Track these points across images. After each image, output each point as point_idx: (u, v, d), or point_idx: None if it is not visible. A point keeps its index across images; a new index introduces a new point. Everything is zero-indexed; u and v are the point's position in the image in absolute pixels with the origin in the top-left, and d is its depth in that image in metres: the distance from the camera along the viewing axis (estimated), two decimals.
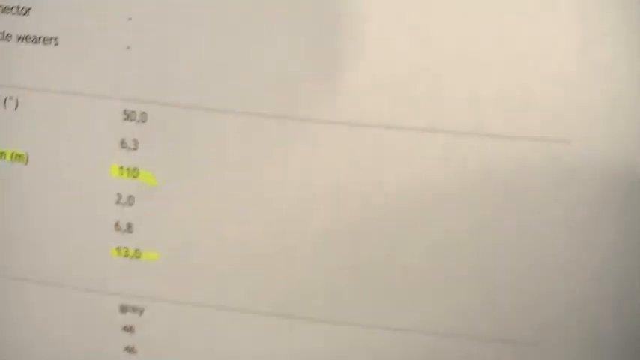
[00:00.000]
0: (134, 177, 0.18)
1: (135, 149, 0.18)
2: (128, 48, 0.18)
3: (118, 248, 0.19)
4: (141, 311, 0.19)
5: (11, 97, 0.19)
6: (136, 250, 0.18)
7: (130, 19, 0.17)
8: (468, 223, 0.17)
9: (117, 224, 0.18)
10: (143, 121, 0.18)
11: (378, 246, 0.17)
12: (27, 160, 0.19)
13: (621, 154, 0.16)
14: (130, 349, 0.20)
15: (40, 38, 0.18)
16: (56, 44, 0.18)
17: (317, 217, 0.17)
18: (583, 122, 0.16)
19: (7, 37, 0.18)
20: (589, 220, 0.16)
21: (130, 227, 0.18)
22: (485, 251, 0.17)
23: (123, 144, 0.18)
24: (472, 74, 0.16)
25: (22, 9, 0.18)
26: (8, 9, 0.18)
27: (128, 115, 0.18)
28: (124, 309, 0.19)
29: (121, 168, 0.18)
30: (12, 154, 0.19)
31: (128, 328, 0.19)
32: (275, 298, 0.18)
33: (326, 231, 0.17)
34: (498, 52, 0.16)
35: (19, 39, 0.18)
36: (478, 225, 0.17)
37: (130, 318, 0.19)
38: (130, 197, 0.18)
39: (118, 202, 0.18)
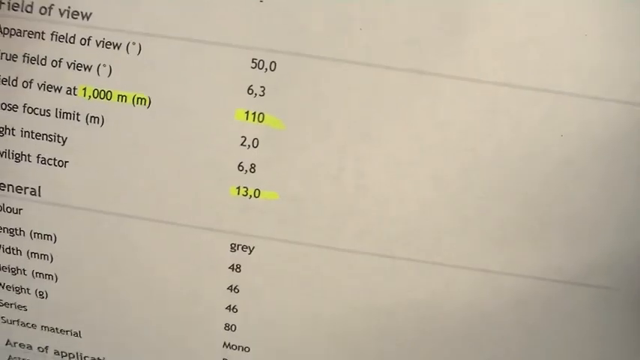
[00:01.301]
0: (260, 121, 0.19)
1: (262, 95, 0.19)
2: (261, 1, 0.18)
3: (238, 188, 0.20)
4: (250, 250, 0.21)
5: (134, 43, 0.19)
6: (255, 190, 0.20)
7: None
8: (561, 178, 0.19)
9: (240, 165, 0.20)
10: (272, 70, 0.19)
11: (480, 196, 0.20)
12: (149, 104, 0.20)
13: None
14: (232, 289, 0.21)
15: None
16: None
17: (431, 164, 0.19)
18: None
19: None
20: None
21: (252, 167, 0.20)
22: (574, 204, 0.19)
23: (250, 90, 0.19)
24: (574, 46, 0.18)
25: None
26: None
27: (257, 64, 0.19)
28: (234, 247, 0.21)
29: (247, 112, 0.19)
30: (134, 97, 0.20)
31: (235, 267, 0.21)
32: (382, 240, 0.20)
33: (437, 178, 0.19)
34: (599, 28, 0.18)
35: None
36: (570, 179, 0.19)
37: (238, 257, 0.21)
38: (255, 140, 0.20)
39: (242, 144, 0.20)
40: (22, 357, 0.23)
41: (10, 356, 0.24)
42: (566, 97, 0.18)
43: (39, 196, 0.21)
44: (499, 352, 0.21)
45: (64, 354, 0.23)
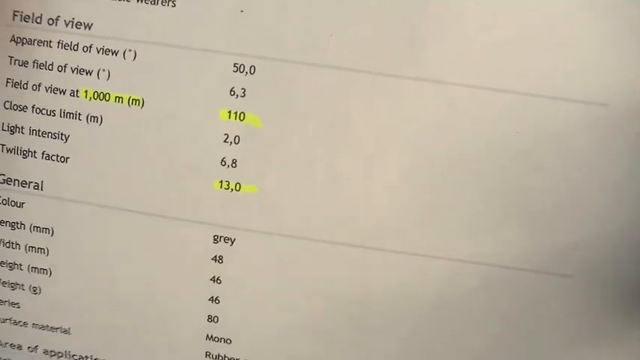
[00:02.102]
0: (241, 120, 0.22)
1: (243, 96, 0.21)
2: (242, 11, 0.21)
3: (221, 181, 0.22)
4: (232, 241, 0.23)
5: (130, 50, 0.22)
6: (237, 184, 0.22)
7: None
8: (518, 171, 0.21)
9: (223, 160, 0.22)
10: (252, 73, 0.21)
11: (445, 190, 0.21)
12: (142, 104, 0.22)
13: None
14: (215, 279, 0.23)
15: (158, 0, 0.21)
16: (173, 5, 0.21)
17: (396, 158, 0.21)
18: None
19: None
20: (626, 175, 0.20)
21: (234, 163, 0.22)
22: (532, 195, 0.21)
23: (232, 92, 0.21)
24: (528, 50, 0.20)
25: None
26: None
27: (238, 68, 0.21)
28: (216, 239, 0.23)
29: (230, 112, 0.22)
30: (129, 98, 0.22)
31: (218, 259, 0.23)
32: (354, 231, 0.22)
33: (402, 171, 0.21)
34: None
35: (138, 0, 0.21)
36: (527, 172, 0.21)
37: (220, 248, 0.23)
38: (236, 137, 0.22)
39: (225, 141, 0.22)
40: (10, 358, 0.25)
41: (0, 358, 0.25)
42: (521, 97, 0.20)
43: (41, 190, 0.23)
44: (471, 339, 0.22)
45: (52, 353, 0.25)
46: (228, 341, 0.23)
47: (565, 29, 0.20)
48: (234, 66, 0.21)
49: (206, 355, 0.24)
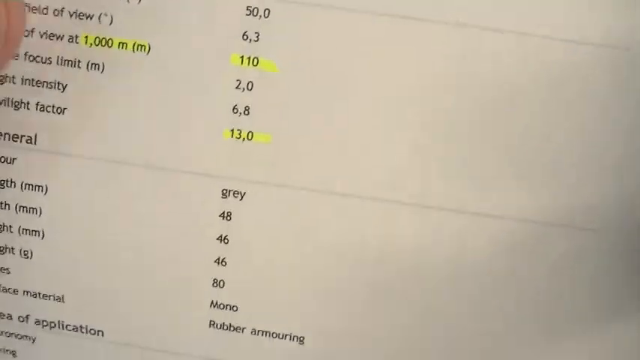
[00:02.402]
0: (254, 65, 0.21)
1: (257, 41, 0.21)
2: None
3: (232, 130, 0.21)
4: (242, 196, 0.22)
5: None
6: (249, 133, 0.21)
7: None
8: (540, 125, 0.21)
9: (234, 107, 0.21)
10: (266, 17, 0.21)
11: (467, 141, 0.21)
12: (148, 50, 0.21)
13: None
14: (222, 239, 0.22)
15: None
16: None
17: (417, 106, 0.21)
18: None
19: None
20: None
21: (247, 110, 0.21)
22: (554, 151, 0.21)
23: (244, 36, 0.21)
24: None
25: None
26: None
27: (251, 11, 0.21)
28: (225, 193, 0.22)
29: (242, 57, 0.21)
30: (134, 44, 0.21)
31: (226, 215, 0.22)
32: (372, 183, 0.21)
33: (423, 122, 0.21)
34: None
35: None
36: (549, 127, 0.21)
37: (229, 203, 0.22)
38: (250, 83, 0.21)
39: (237, 87, 0.21)
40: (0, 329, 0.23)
41: None
42: (541, 40, 0.20)
43: (34, 144, 0.21)
44: (488, 300, 0.22)
45: (45, 323, 0.23)
46: (235, 308, 0.23)
47: None
48: (247, 9, 0.20)
49: (210, 324, 0.23)
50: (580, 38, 0.20)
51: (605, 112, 0.20)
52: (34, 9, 0.21)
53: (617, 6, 0.20)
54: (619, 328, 0.22)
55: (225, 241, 0.22)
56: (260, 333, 0.22)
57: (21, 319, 0.23)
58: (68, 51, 0.21)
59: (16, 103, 0.21)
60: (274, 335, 0.22)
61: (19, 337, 0.23)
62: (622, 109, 0.20)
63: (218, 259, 0.22)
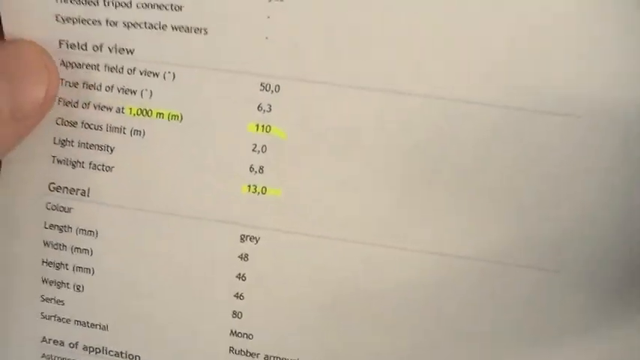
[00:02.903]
0: (267, 132, 0.25)
1: (269, 112, 0.25)
2: (266, 38, 0.24)
3: (249, 185, 0.25)
4: (257, 240, 0.26)
5: (169, 72, 0.25)
6: (263, 187, 0.25)
7: (268, 17, 0.24)
8: (508, 174, 0.24)
9: (251, 167, 0.25)
10: (277, 91, 0.25)
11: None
12: (181, 119, 0.25)
13: None
14: (240, 276, 0.26)
15: (190, 28, 0.25)
16: (205, 33, 0.25)
17: (401, 167, 0.25)
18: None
19: (163, 27, 0.25)
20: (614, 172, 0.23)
21: (261, 169, 0.25)
22: (521, 194, 0.24)
23: (259, 108, 0.25)
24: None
25: (175, 6, 0.25)
26: (164, 6, 0.25)
27: (264, 87, 0.25)
28: (243, 238, 0.26)
29: (257, 125, 0.25)
30: (169, 113, 0.25)
31: (243, 256, 0.26)
32: (366, 228, 0.25)
33: (405, 179, 0.25)
34: None
35: (173, 28, 0.25)
36: (516, 175, 0.24)
37: (246, 247, 0.25)
38: (264, 146, 0.25)
39: (253, 150, 0.25)
40: (54, 354, 0.28)
41: (43, 354, 0.28)
42: (505, 110, 0.24)
43: (87, 196, 0.26)
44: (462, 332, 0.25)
45: (91, 349, 0.27)
46: (250, 336, 0.26)
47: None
48: (261, 85, 0.24)
49: (230, 350, 0.26)
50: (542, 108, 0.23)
51: (572, 163, 0.23)
52: (91, 86, 0.25)
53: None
54: None
55: (243, 278, 0.26)
56: (272, 359, 0.26)
57: (71, 345, 0.27)
58: (116, 119, 0.25)
59: (74, 163, 0.26)
60: None
61: None
62: (588, 159, 0.23)
63: (237, 293, 0.26)
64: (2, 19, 0.25)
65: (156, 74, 0.25)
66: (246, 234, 0.25)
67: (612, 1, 0.22)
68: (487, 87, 0.23)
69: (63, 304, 0.27)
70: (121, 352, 0.27)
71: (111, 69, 0.25)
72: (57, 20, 0.25)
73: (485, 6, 0.23)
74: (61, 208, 0.26)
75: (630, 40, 0.22)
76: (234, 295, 0.26)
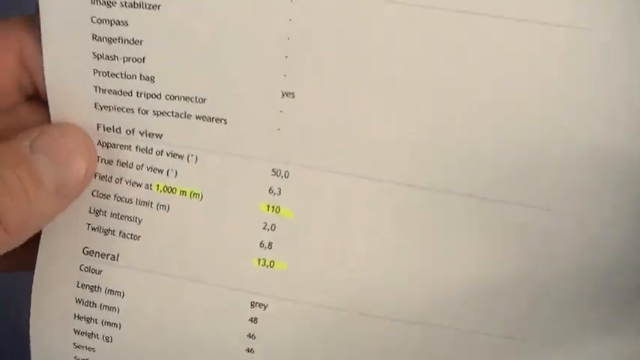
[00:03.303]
0: (276, 213, 0.28)
1: (279, 194, 0.28)
2: (278, 129, 0.28)
3: (259, 259, 0.28)
4: (265, 307, 0.28)
5: (192, 155, 0.28)
6: (271, 261, 0.28)
7: (280, 111, 0.27)
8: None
9: (261, 242, 0.28)
10: (286, 177, 0.28)
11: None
12: (201, 198, 0.28)
13: None
14: (251, 335, 0.29)
15: (212, 118, 0.28)
16: (225, 123, 0.28)
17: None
18: None
19: (188, 116, 0.28)
20: None
21: (270, 245, 0.28)
22: None
23: (270, 190, 0.28)
24: None
25: (199, 99, 0.28)
26: (189, 98, 0.28)
27: (275, 172, 0.28)
28: (253, 304, 0.29)
29: (268, 205, 0.28)
30: (191, 192, 0.29)
31: (253, 319, 0.29)
32: (364, 300, 0.28)
33: (401, 246, 0.28)
34: None
35: (197, 117, 0.28)
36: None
37: (256, 311, 0.28)
38: (273, 225, 0.28)
39: (264, 228, 0.28)
40: None
41: None
42: None
43: (117, 261, 0.29)
44: None
45: None
46: None
47: None
48: (272, 170, 0.27)
49: None
50: None
51: None
52: (123, 164, 0.28)
53: None
54: None
55: (253, 337, 0.29)
56: None
57: None
58: (144, 195, 0.28)
59: (106, 231, 0.29)
60: None
61: None
62: None
63: (248, 348, 0.29)
64: (50, 105, 0.28)
65: (181, 156, 0.28)
66: (255, 301, 0.28)
67: None
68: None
69: (94, 351, 0.30)
70: None
71: (141, 150, 0.28)
72: (95, 107, 0.28)
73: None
74: (93, 270, 0.29)
75: None
76: (246, 350, 0.29)
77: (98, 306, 0.29)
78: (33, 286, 0.29)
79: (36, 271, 0.29)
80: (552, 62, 0.25)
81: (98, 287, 0.29)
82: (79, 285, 0.30)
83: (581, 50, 0.25)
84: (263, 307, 0.28)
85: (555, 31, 0.25)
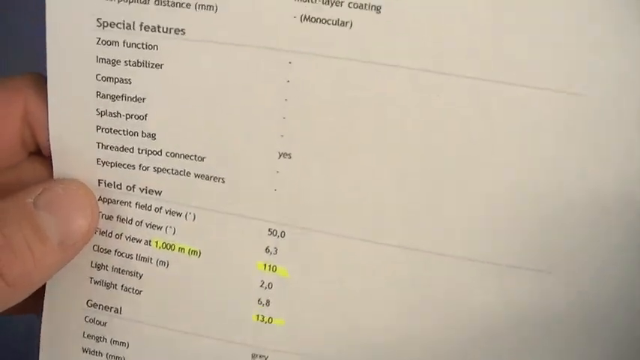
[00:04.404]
0: (274, 271, 0.28)
1: (275, 254, 0.28)
2: (275, 190, 0.27)
3: (257, 315, 0.29)
4: (266, 358, 0.29)
5: (190, 213, 0.28)
6: (269, 317, 0.28)
7: (277, 172, 0.27)
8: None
9: (259, 300, 0.28)
10: (282, 237, 0.28)
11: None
12: (199, 255, 0.29)
13: None
14: None
15: (210, 177, 0.28)
16: (223, 182, 0.28)
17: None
18: None
19: (187, 174, 0.28)
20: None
21: (267, 302, 0.28)
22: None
23: (267, 250, 0.28)
24: None
25: (198, 157, 0.28)
26: (189, 156, 0.28)
27: (272, 232, 0.28)
28: (254, 356, 0.29)
29: (265, 264, 0.28)
30: (189, 249, 0.29)
31: None
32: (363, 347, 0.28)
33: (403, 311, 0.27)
34: None
35: (195, 176, 0.28)
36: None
37: None
38: (270, 283, 0.28)
39: (261, 286, 0.28)
40: None
41: None
42: None
43: (120, 313, 0.30)
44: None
45: None
46: None
47: None
48: (269, 230, 0.27)
49: None
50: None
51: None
52: (123, 220, 0.29)
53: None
54: None
55: None
56: None
57: None
58: (144, 250, 0.29)
59: (108, 284, 0.29)
60: None
61: None
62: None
63: None
64: (53, 161, 0.29)
65: (179, 214, 0.28)
66: (256, 353, 0.29)
67: None
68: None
69: None
70: None
71: (141, 207, 0.28)
72: (98, 163, 0.28)
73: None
74: (98, 322, 0.30)
75: None
76: None
77: (104, 355, 0.30)
78: (41, 337, 0.30)
79: (42, 322, 0.30)
80: (546, 127, 0.25)
81: (104, 338, 0.30)
82: (85, 335, 0.30)
83: (575, 116, 0.24)
84: (264, 359, 0.28)
85: (549, 96, 0.24)
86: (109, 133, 0.28)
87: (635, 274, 0.25)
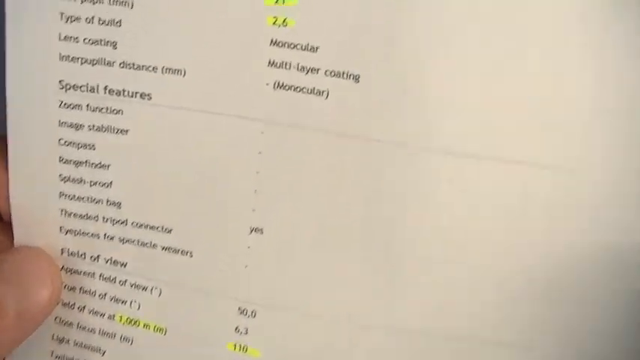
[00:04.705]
0: (244, 352, 0.26)
1: (246, 334, 0.26)
2: (246, 267, 0.26)
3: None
4: None
5: (156, 288, 0.27)
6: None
7: (248, 247, 0.25)
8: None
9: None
10: (253, 316, 0.26)
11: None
12: (165, 333, 0.27)
13: None
14: None
15: (178, 250, 0.26)
16: (191, 256, 0.26)
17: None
18: None
19: (154, 246, 0.26)
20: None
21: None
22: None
23: (237, 330, 0.26)
24: None
25: (165, 229, 0.26)
26: (155, 227, 0.26)
27: (242, 311, 0.26)
28: None
29: (235, 344, 0.26)
30: (155, 326, 0.27)
31: None
32: None
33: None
34: None
35: (162, 249, 0.26)
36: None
37: None
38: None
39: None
40: None
41: None
42: None
43: None
44: None
45: None
46: None
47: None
48: (239, 309, 0.26)
49: None
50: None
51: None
52: (86, 292, 0.27)
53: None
54: None
55: None
56: None
57: None
58: (107, 325, 0.27)
59: (69, 359, 0.28)
60: None
61: None
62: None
63: None
64: (14, 227, 0.27)
65: (144, 288, 0.26)
66: None
67: None
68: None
69: None
70: None
71: (105, 279, 0.27)
72: (61, 231, 0.27)
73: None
74: None
75: None
76: None
77: None
78: None
79: None
80: (536, 205, 0.23)
81: None
82: None
83: (565, 192, 0.23)
84: None
85: (538, 173, 0.23)
86: (73, 200, 0.26)
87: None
